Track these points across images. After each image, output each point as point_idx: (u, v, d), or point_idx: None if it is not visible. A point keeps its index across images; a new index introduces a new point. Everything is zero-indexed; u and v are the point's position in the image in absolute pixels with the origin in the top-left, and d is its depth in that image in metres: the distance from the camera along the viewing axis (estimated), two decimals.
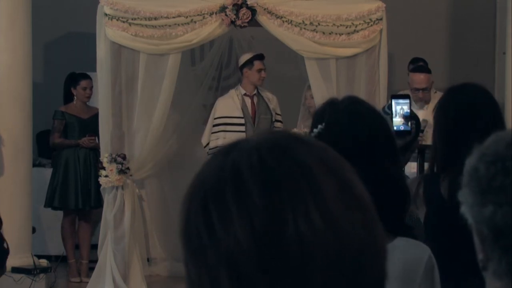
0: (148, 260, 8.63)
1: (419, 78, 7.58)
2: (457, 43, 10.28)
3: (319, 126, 2.19)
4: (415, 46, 9.61)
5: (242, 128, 7.84)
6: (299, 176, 1.01)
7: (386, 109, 2.98)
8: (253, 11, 7.63)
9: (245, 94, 7.93)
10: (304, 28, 7.64)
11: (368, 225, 1.04)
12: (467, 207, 1.36)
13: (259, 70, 7.84)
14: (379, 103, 7.44)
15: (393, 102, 2.99)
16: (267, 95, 8.00)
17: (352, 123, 2.18)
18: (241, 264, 0.99)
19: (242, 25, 7.67)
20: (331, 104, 2.26)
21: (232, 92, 7.99)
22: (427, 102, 7.54)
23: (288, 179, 1.01)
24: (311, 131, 2.22)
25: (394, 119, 2.94)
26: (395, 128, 2.88)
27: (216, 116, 7.89)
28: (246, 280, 0.99)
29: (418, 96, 7.46)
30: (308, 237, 0.98)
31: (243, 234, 0.99)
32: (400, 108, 3.00)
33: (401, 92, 8.00)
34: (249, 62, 7.86)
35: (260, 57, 7.87)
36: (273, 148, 1.04)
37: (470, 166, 1.36)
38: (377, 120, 2.23)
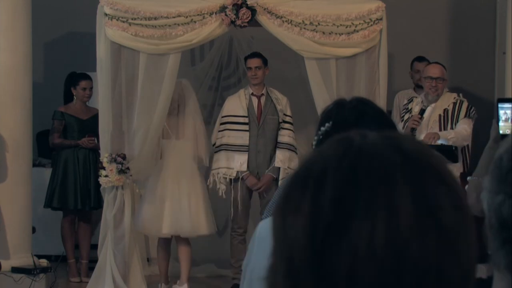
0: (148, 260, 8.63)
1: (434, 67, 7.62)
2: (457, 43, 10.28)
3: (326, 125, 2.20)
4: (415, 46, 9.62)
5: (246, 127, 7.85)
6: (376, 190, 0.97)
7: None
8: (253, 11, 7.63)
9: (252, 94, 7.96)
10: (304, 28, 7.64)
11: (444, 252, 0.98)
12: (486, 193, 1.39)
13: (249, 69, 7.91)
14: (379, 103, 7.44)
15: (498, 106, 2.91)
16: (276, 96, 8.01)
17: (359, 122, 2.18)
18: (296, 261, 0.99)
19: (242, 25, 7.67)
20: (339, 104, 2.27)
21: (241, 91, 8.05)
22: (439, 94, 7.53)
23: (364, 191, 0.98)
24: (318, 129, 2.23)
25: (499, 124, 2.86)
26: (500, 132, 2.77)
27: (223, 115, 7.94)
28: (296, 278, 0.99)
29: (432, 85, 7.46)
30: (362, 251, 0.95)
31: (304, 233, 0.98)
32: (503, 112, 2.92)
33: (405, 91, 8.05)
34: (245, 63, 7.98)
35: (250, 55, 7.92)
36: (370, 154, 1.01)
37: (498, 154, 1.40)
38: (383, 120, 2.24)
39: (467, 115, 7.50)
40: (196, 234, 7.76)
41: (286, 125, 7.97)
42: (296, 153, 7.94)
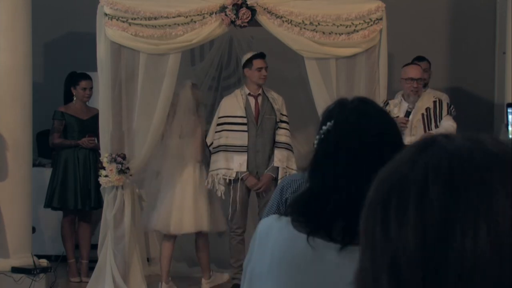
0: (148, 260, 8.64)
1: (414, 68, 7.67)
2: (457, 43, 10.28)
3: (328, 124, 2.21)
4: (415, 46, 9.62)
5: (245, 127, 7.82)
6: (476, 192, 0.98)
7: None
8: (253, 11, 7.64)
9: (249, 94, 7.92)
10: (304, 28, 7.65)
11: None
12: None
13: (259, 69, 7.81)
14: (378, 103, 7.45)
15: (508, 111, 2.92)
16: (272, 95, 7.99)
17: (360, 122, 2.19)
18: (404, 268, 0.98)
19: (242, 25, 7.67)
20: (340, 103, 2.27)
21: (237, 91, 7.98)
22: (420, 95, 7.62)
23: (466, 192, 0.98)
24: (320, 129, 2.23)
25: (509, 128, 2.86)
26: (510, 136, 2.77)
27: (219, 116, 7.89)
28: (404, 286, 0.98)
29: (413, 87, 7.52)
30: (470, 254, 0.96)
31: (414, 238, 0.98)
32: None
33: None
34: (248, 62, 7.85)
35: (259, 55, 7.85)
36: (465, 158, 1.02)
37: None
38: (385, 120, 2.25)
39: (448, 112, 7.61)
40: (217, 230, 8.01)
41: (283, 125, 7.96)
42: (293, 152, 7.95)
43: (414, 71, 7.62)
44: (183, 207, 7.75)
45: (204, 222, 7.79)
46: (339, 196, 2.12)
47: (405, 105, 7.63)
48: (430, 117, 7.56)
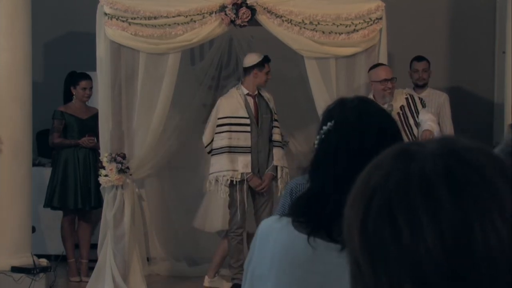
0: (148, 259, 8.63)
1: (385, 69, 7.54)
2: (457, 43, 10.28)
3: (329, 124, 2.21)
4: (415, 45, 9.62)
5: (248, 128, 7.77)
6: (482, 185, 1.00)
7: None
8: (252, 10, 7.63)
9: (247, 94, 7.89)
10: (304, 28, 7.64)
11: None
12: None
13: (267, 72, 7.82)
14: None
15: None
16: (266, 95, 7.99)
17: (360, 121, 2.19)
18: (429, 273, 0.97)
19: (242, 24, 7.67)
20: (341, 103, 2.27)
21: (234, 91, 7.90)
22: (393, 94, 7.58)
23: (473, 188, 1.00)
24: (320, 128, 2.23)
25: None
26: None
27: (220, 116, 7.80)
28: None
29: (388, 87, 7.44)
30: (495, 248, 0.97)
31: (433, 242, 0.97)
32: None
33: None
34: (260, 64, 7.80)
35: (269, 59, 7.85)
36: (456, 156, 1.03)
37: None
38: (385, 119, 2.25)
39: (423, 105, 7.60)
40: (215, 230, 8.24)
41: (276, 123, 7.97)
42: (283, 149, 8.02)
43: (386, 72, 7.49)
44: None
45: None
46: (340, 196, 2.12)
47: None
48: (406, 114, 7.52)
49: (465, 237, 0.97)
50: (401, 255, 0.99)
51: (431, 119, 7.46)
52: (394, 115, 7.49)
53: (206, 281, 8.03)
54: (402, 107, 7.54)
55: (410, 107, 7.55)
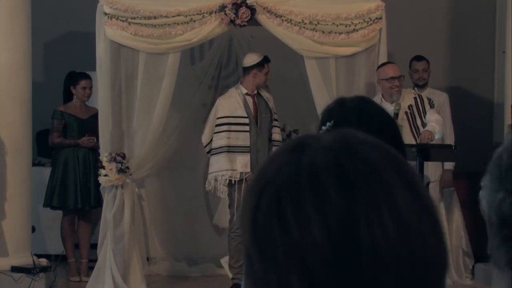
0: (147, 259, 8.63)
1: (393, 67, 7.59)
2: (457, 42, 10.28)
3: (328, 124, 2.20)
4: (415, 45, 9.62)
5: (247, 128, 7.77)
6: (373, 180, 0.99)
7: None
8: (252, 10, 7.64)
9: (246, 94, 7.88)
10: (304, 27, 7.65)
11: (436, 235, 1.01)
12: (484, 192, 1.40)
13: (267, 73, 7.83)
14: (378, 102, 7.48)
15: None
16: (265, 94, 7.99)
17: (360, 122, 2.18)
18: (315, 266, 0.97)
19: (242, 24, 7.67)
20: (340, 103, 2.27)
21: (233, 91, 7.90)
22: (401, 92, 7.58)
23: (363, 182, 0.99)
24: (320, 128, 2.23)
25: None
26: None
27: (219, 116, 7.79)
28: (318, 284, 0.97)
29: (395, 85, 7.46)
30: (380, 244, 0.96)
31: (320, 235, 0.97)
32: None
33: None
34: (260, 65, 7.80)
35: (269, 60, 7.85)
36: (348, 149, 1.03)
37: (497, 153, 1.41)
38: (385, 119, 2.25)
39: (431, 106, 7.58)
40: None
41: (275, 123, 7.98)
42: None
43: (393, 70, 7.52)
44: None
45: None
46: None
47: (386, 107, 7.57)
48: (414, 114, 7.52)
49: (351, 230, 0.96)
50: (288, 248, 0.98)
51: (436, 120, 7.43)
52: (402, 114, 7.49)
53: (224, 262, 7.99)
54: (410, 107, 7.53)
55: (418, 107, 7.54)
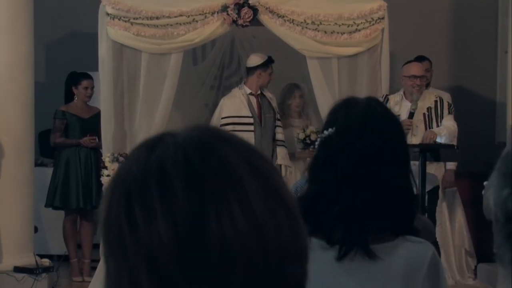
0: None
1: (416, 66, 7.67)
2: (459, 42, 10.28)
3: (330, 129, 2.20)
4: (417, 45, 9.61)
5: (251, 127, 7.79)
6: (224, 175, 1.00)
7: None
8: (254, 10, 7.64)
9: (250, 94, 7.90)
10: (306, 27, 7.65)
11: (292, 227, 1.02)
12: (492, 189, 1.42)
13: (271, 73, 7.87)
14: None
15: None
16: (269, 94, 8.01)
17: (364, 130, 2.18)
18: (162, 262, 0.97)
19: (244, 24, 7.67)
20: (347, 106, 2.26)
21: (237, 91, 7.94)
22: (422, 92, 7.61)
23: (212, 178, 0.99)
24: (323, 131, 2.23)
25: None
26: None
27: (223, 116, 7.82)
28: (167, 279, 0.97)
29: (416, 84, 7.50)
30: (230, 238, 0.97)
31: (166, 231, 0.97)
32: None
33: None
34: (265, 65, 7.83)
35: (273, 61, 7.90)
36: (199, 145, 1.03)
37: (505, 151, 1.44)
38: (390, 126, 2.23)
39: (449, 111, 7.58)
40: None
41: (278, 122, 8.00)
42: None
43: (416, 69, 7.62)
44: None
45: None
46: (339, 199, 2.12)
47: (406, 104, 7.60)
48: (431, 117, 7.54)
49: (199, 226, 0.97)
50: (137, 246, 0.98)
51: (448, 126, 7.44)
52: (419, 114, 7.50)
53: None
54: (429, 109, 7.55)
55: (437, 110, 7.56)
